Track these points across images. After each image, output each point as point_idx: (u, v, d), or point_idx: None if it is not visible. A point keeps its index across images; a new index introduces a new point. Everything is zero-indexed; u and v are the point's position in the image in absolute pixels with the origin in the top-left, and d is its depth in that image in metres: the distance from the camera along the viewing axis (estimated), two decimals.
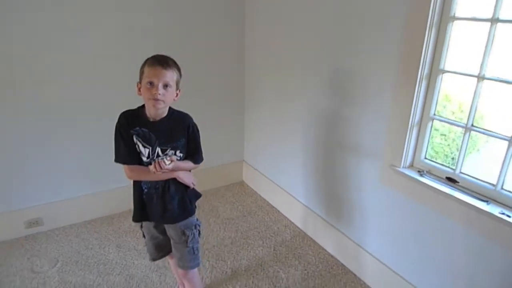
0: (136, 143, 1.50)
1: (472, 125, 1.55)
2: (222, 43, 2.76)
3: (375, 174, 1.94)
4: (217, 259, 2.29)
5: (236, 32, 2.79)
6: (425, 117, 1.71)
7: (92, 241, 2.43)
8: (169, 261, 1.91)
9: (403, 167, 1.79)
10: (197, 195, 1.67)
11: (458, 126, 1.62)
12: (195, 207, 1.68)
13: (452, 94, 2.34)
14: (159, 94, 1.38)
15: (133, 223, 1.81)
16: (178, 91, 1.49)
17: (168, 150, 1.51)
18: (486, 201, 1.50)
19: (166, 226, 1.66)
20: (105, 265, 2.22)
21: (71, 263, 2.22)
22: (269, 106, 2.74)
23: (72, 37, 2.24)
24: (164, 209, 1.57)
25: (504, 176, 1.48)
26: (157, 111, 1.46)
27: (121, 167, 1.54)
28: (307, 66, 2.29)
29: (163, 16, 2.48)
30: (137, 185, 1.58)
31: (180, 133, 1.53)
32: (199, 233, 1.68)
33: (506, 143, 1.44)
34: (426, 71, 1.63)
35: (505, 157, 1.45)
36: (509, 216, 1.41)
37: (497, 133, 1.48)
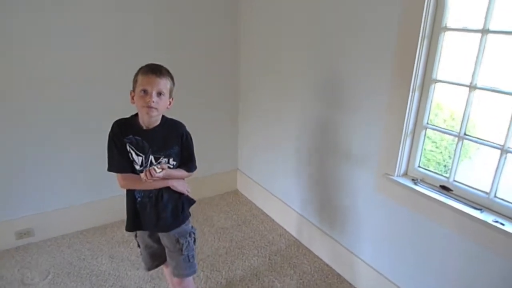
0: (130, 152, 1.50)
1: (465, 133, 1.57)
2: (215, 53, 2.77)
3: (369, 183, 1.94)
4: (212, 270, 2.27)
5: (230, 40, 2.81)
6: (419, 126, 1.73)
7: (85, 252, 2.39)
8: (164, 270, 1.89)
9: (397, 176, 1.80)
10: (191, 202, 1.66)
11: (451, 135, 1.64)
12: (189, 213, 1.67)
13: (443, 102, 2.37)
14: (153, 101, 1.39)
15: (127, 233, 1.79)
16: (171, 99, 1.50)
17: (161, 158, 1.51)
18: (480, 209, 1.51)
19: (160, 235, 1.64)
20: (98, 277, 2.18)
21: (63, 275, 2.19)
22: (263, 115, 2.75)
23: (72, 37, 2.24)
24: (157, 218, 1.56)
25: (497, 184, 1.49)
26: (151, 119, 1.47)
27: (114, 176, 1.53)
28: (301, 75, 2.30)
29: (163, 16, 2.50)
30: (131, 194, 1.57)
31: (173, 141, 1.53)
32: (194, 240, 1.66)
33: (498, 151, 1.46)
34: (419, 81, 1.65)
35: (498, 165, 1.47)
36: (502, 224, 1.42)
37: (490, 142, 1.50)
